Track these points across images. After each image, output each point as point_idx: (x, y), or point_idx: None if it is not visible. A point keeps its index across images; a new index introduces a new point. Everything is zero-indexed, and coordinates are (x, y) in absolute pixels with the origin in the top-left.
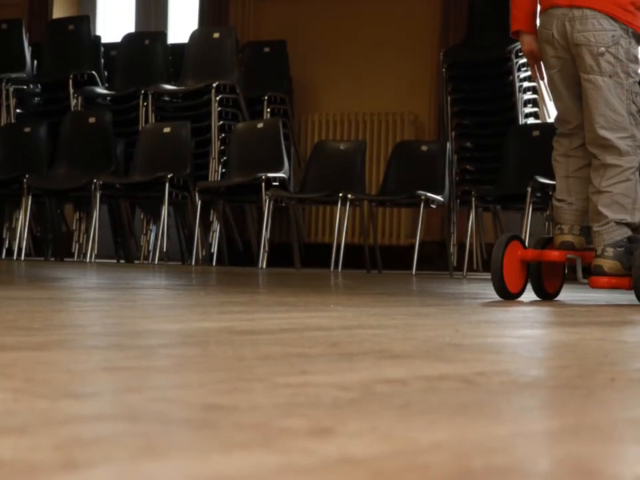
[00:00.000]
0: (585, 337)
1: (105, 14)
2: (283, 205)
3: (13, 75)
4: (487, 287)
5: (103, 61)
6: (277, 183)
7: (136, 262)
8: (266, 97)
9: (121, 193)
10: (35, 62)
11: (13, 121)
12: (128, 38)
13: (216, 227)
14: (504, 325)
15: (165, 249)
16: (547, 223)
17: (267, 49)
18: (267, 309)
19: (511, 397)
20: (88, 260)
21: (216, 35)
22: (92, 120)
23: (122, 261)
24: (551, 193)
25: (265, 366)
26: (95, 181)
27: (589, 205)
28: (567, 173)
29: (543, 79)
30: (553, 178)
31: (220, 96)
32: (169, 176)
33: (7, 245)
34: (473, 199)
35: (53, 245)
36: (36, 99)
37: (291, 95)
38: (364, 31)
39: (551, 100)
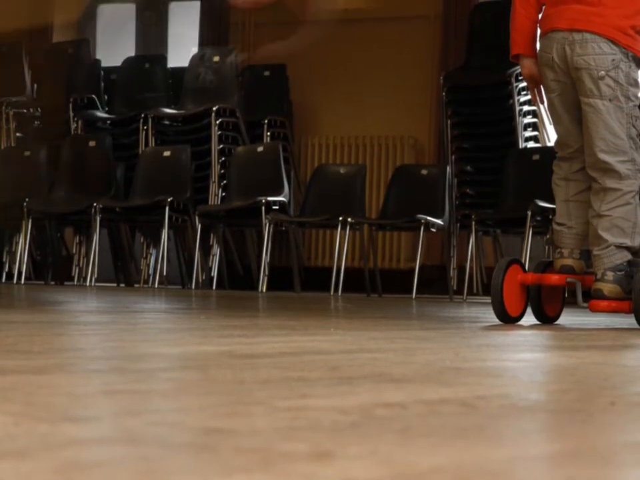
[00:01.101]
0: (585, 361)
1: (104, 37)
2: (283, 228)
3: (13, 99)
4: (487, 310)
5: (102, 84)
6: (276, 207)
7: (136, 285)
8: (266, 121)
9: (120, 217)
10: (35, 85)
11: (12, 144)
12: (128, 61)
13: (216, 250)
14: (504, 349)
15: (164, 273)
16: (546, 247)
17: (266, 73)
18: (267, 333)
19: (510, 420)
20: (88, 283)
21: (216, 59)
22: (92, 144)
23: (122, 285)
24: (551, 216)
25: (265, 390)
26: (94, 204)
27: (589, 228)
28: (567, 196)
29: (542, 102)
30: (553, 202)
31: (220, 119)
32: (168, 199)
33: (7, 269)
34: (473, 222)
35: (53, 269)
36: (36, 122)
37: (290, 118)
38: (364, 55)
39: (550, 124)
